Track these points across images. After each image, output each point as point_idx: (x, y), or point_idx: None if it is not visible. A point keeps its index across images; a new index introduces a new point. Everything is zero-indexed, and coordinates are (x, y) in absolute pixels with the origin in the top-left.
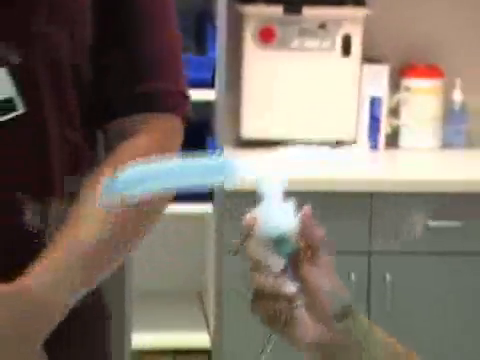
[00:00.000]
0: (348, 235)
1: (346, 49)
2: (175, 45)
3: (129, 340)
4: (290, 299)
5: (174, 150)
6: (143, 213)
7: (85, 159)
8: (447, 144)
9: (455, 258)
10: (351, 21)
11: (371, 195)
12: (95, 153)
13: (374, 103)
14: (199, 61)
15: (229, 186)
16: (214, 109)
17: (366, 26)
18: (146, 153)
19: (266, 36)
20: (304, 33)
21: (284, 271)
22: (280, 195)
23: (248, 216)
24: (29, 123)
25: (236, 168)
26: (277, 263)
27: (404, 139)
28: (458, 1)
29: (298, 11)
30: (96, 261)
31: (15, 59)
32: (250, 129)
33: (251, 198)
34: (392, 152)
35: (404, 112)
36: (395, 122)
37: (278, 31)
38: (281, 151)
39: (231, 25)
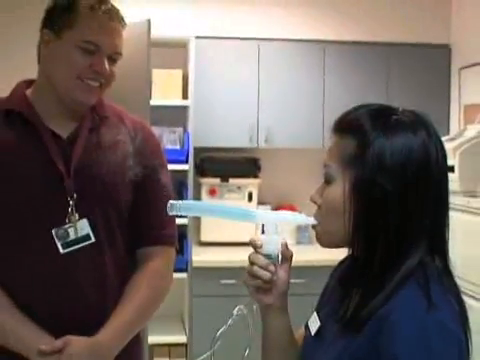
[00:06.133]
0: None
1: (250, 198)
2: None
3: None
4: (266, 281)
5: (173, 265)
6: (153, 304)
7: (125, 270)
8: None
9: None
10: (252, 185)
11: None
12: (130, 268)
13: None
14: None
15: (252, 221)
16: (187, 228)
17: (260, 187)
18: (160, 271)
19: (212, 193)
20: (230, 191)
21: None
22: (274, 231)
23: (256, 238)
24: (94, 248)
25: (255, 214)
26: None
27: None
28: (311, 169)
29: (227, 181)
30: (132, 331)
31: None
32: (207, 236)
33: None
34: None
35: None
36: None
37: (218, 190)
38: (274, 212)
39: (195, 188)
